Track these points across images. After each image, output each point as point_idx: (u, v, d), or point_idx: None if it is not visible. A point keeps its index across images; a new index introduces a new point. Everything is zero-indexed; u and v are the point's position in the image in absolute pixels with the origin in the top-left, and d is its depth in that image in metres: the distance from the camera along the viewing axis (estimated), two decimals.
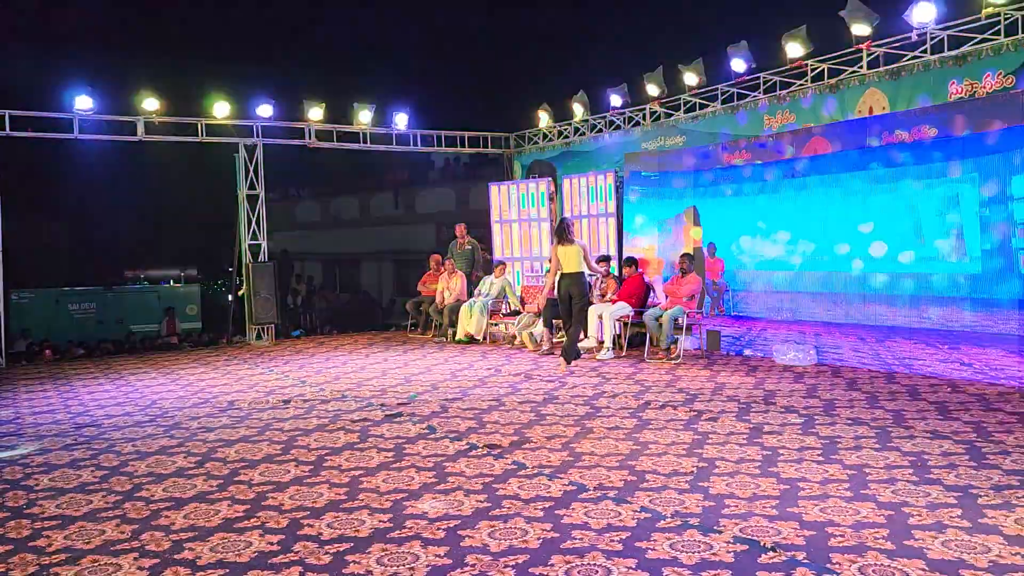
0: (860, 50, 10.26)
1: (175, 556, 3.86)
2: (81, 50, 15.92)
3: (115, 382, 9.75)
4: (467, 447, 5.78)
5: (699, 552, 3.65)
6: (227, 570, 3.67)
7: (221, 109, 13.35)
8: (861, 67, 10.32)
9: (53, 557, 3.92)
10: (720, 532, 3.89)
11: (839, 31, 10.39)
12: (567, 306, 9.54)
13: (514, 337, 12.01)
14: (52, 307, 15.82)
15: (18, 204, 12.67)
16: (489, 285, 12.72)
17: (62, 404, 8.33)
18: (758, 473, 4.87)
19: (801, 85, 11.07)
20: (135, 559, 3.85)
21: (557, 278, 9.63)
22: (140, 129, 12.88)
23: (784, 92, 11.29)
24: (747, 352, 10.07)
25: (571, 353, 9.43)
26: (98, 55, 15.69)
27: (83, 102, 12.34)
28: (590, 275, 10.12)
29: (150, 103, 12.76)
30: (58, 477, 5.39)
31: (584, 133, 14.70)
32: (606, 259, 11.22)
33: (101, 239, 18.55)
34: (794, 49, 10.88)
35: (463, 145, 16.12)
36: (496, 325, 12.62)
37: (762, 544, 3.71)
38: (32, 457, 5.99)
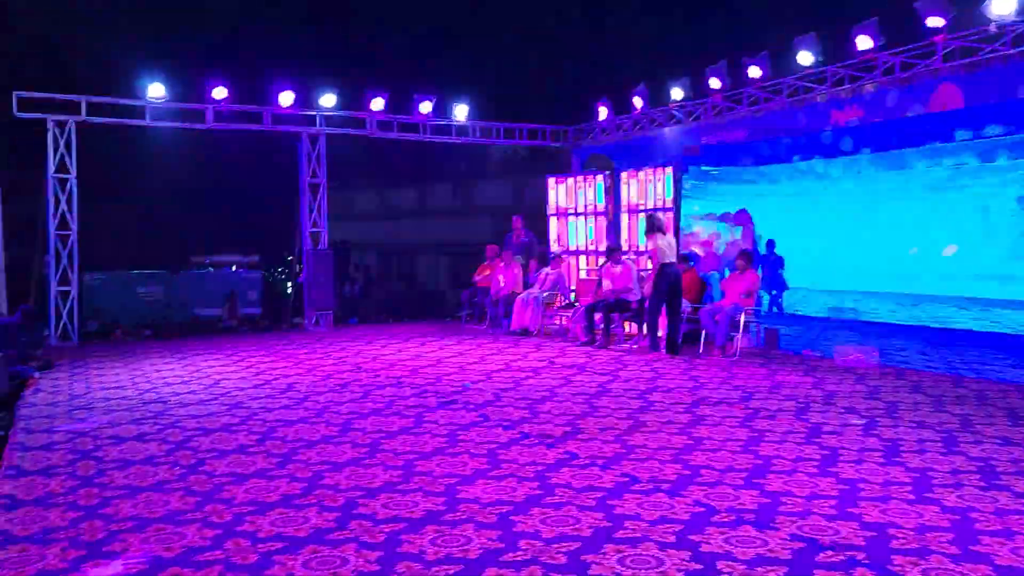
0: (934, 43, 9.93)
1: (236, 528, 3.97)
2: (155, 38, 16.38)
3: (180, 362, 10.05)
4: (520, 436, 5.80)
5: (754, 548, 3.61)
6: (286, 543, 3.76)
7: (286, 98, 13.60)
8: (935, 61, 10.00)
9: (121, 524, 4.07)
10: (776, 529, 3.84)
11: (912, 23, 10.08)
12: (668, 297, 9.66)
13: (567, 330, 11.99)
14: (122, 289, 16.33)
15: (92, 189, 13.12)
16: (544, 277, 12.71)
17: (131, 381, 8.62)
18: (816, 472, 4.78)
19: (871, 78, 10.78)
20: (198, 529, 3.97)
21: (658, 269, 9.74)
22: (209, 117, 13.22)
23: (852, 86, 11.01)
24: (806, 351, 9.87)
25: (676, 346, 9.65)
26: (170, 43, 16.12)
27: (156, 90, 12.71)
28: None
29: (219, 91, 13.07)
30: (126, 449, 5.59)
31: (643, 126, 14.57)
32: (684, 259, 11.06)
33: (168, 224, 19.06)
34: (864, 42, 10.59)
35: (522, 137, 16.13)
36: (550, 317, 12.61)
37: (820, 543, 3.64)
38: (102, 430, 6.22)
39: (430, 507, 4.24)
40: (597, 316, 10.96)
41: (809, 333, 10.84)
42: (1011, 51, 9.17)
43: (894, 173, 10.44)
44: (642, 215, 10.32)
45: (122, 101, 12.86)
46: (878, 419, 6.23)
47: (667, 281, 9.68)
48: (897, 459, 5.07)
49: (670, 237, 9.99)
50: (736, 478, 4.68)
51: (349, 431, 6.02)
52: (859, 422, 6.11)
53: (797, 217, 11.42)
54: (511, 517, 4.06)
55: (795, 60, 11.41)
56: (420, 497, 4.41)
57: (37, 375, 8.87)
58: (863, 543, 3.66)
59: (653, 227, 9.86)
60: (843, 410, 6.58)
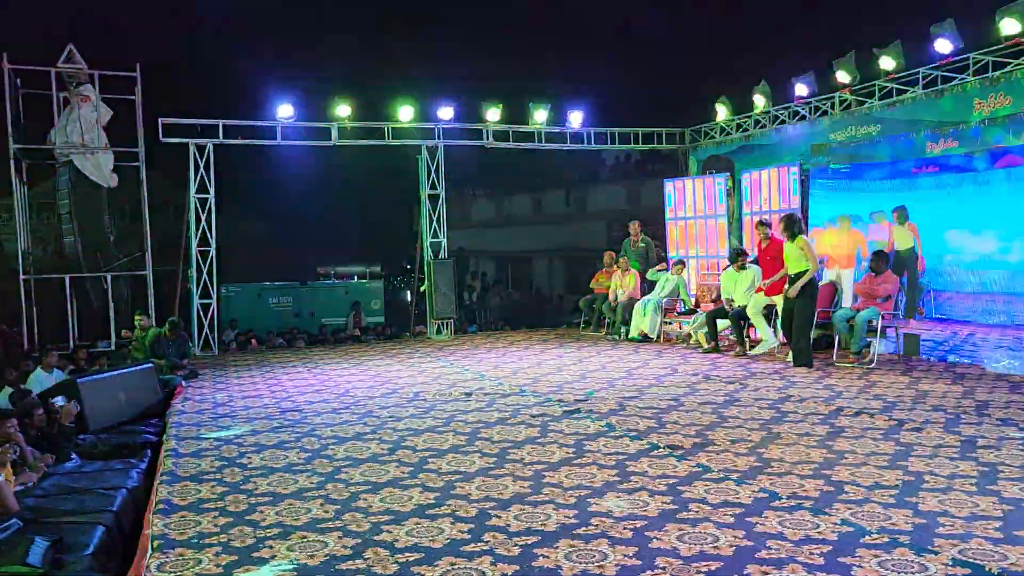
0: None
1: (375, 537, 4.06)
2: (285, 62, 17.26)
3: (312, 371, 10.45)
4: (648, 446, 5.69)
5: (914, 572, 3.38)
6: (422, 554, 3.82)
7: (406, 113, 13.98)
8: None
9: (267, 531, 4.24)
10: (936, 553, 3.58)
11: None
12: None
13: (689, 336, 11.72)
14: (255, 300, 17.26)
15: (228, 206, 13.91)
16: (664, 283, 12.48)
17: (268, 390, 9.04)
18: (975, 491, 4.45)
19: (1018, 64, 10.01)
20: (339, 537, 4.09)
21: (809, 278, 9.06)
22: (334, 134, 13.76)
23: (998, 73, 10.26)
24: (951, 358, 9.24)
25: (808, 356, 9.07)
26: (299, 66, 16.94)
27: (285, 111, 13.35)
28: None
29: (343, 109, 13.59)
30: (268, 457, 5.85)
31: (765, 125, 14.09)
32: (741, 253, 10.66)
33: (297, 237, 20.02)
34: (1010, 25, 9.86)
35: (637, 142, 15.94)
36: (670, 324, 12.37)
37: (988, 569, 3.37)
38: (245, 438, 6.54)
39: (562, 520, 4.20)
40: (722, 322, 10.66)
41: (955, 338, 10.15)
42: None
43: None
44: (783, 217, 9.79)
45: (255, 123, 13.56)
46: None
47: (816, 290, 9.13)
48: None
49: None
50: (885, 495, 4.41)
51: (477, 440, 6.07)
52: (1019, 435, 5.65)
53: (940, 215, 10.70)
54: (646, 533, 3.97)
55: (932, 48, 10.75)
56: (551, 509, 4.38)
57: (184, 384, 9.44)
58: None
59: (799, 228, 9.20)
60: (999, 422, 6.11)
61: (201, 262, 13.16)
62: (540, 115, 14.70)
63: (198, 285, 13.14)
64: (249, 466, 5.60)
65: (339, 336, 15.43)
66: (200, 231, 13.12)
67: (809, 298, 9.02)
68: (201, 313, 13.13)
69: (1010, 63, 10.12)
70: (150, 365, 9.04)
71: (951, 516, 4.05)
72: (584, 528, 4.07)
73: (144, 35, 16.27)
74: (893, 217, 11.24)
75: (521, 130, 14.85)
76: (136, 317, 11.34)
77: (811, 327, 9.15)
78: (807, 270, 8.92)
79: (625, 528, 4.05)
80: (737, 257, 10.63)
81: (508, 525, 4.16)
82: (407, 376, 9.60)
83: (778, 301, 9.64)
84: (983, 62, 10.43)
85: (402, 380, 9.28)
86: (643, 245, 13.48)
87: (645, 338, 12.01)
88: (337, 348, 13.42)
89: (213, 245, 13.21)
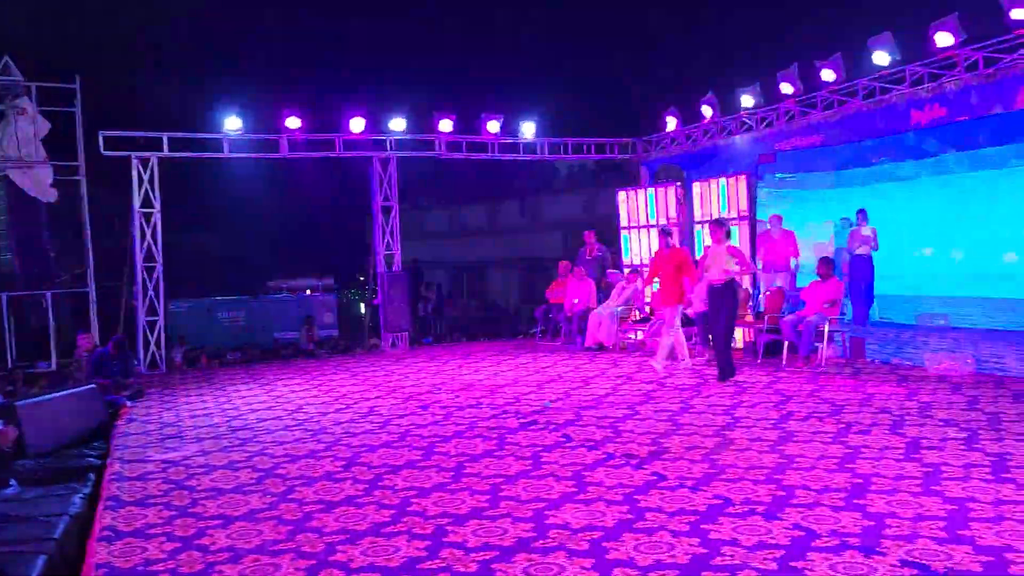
0: (1021, 36, 9.49)
1: (329, 558, 4.00)
2: (232, 74, 17.01)
3: (264, 387, 10.27)
4: (605, 456, 5.71)
5: (862, 575, 3.44)
6: (379, 574, 3.77)
7: (357, 124, 13.87)
8: (1022, 55, 9.55)
9: (218, 555, 4.14)
10: (884, 554, 3.66)
11: (995, 17, 9.65)
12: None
13: (644, 344, 11.83)
14: (205, 316, 16.87)
15: (175, 221, 13.62)
16: (619, 291, 12.58)
17: (217, 408, 8.85)
18: (920, 492, 4.56)
19: (952, 77, 10.36)
20: (292, 560, 4.01)
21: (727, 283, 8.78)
22: (284, 146, 13.59)
23: (933, 84, 10.60)
24: (895, 361, 9.48)
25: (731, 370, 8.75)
26: (246, 78, 16.71)
27: (232, 123, 13.14)
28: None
29: (293, 121, 13.43)
30: (217, 478, 5.72)
31: (713, 135, 14.33)
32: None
33: (247, 251, 19.69)
34: (944, 39, 10.19)
35: (590, 152, 16.07)
36: (626, 333, 12.47)
37: (933, 569, 3.45)
38: (193, 458, 6.39)
39: (520, 534, 4.19)
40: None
41: (898, 341, 10.42)
42: None
43: (982, 173, 9.98)
44: (714, 221, 9.67)
45: (201, 135, 13.33)
46: (980, 432, 5.92)
47: (736, 300, 8.95)
48: (1006, 475, 4.80)
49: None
50: (835, 499, 4.50)
51: (433, 455, 6.03)
52: (961, 435, 5.82)
53: (881, 222, 11.00)
54: (603, 544, 3.98)
55: (870, 61, 11.06)
56: (509, 523, 4.36)
57: (129, 404, 9.19)
58: (980, 569, 3.45)
59: (728, 234, 9.01)
60: (942, 423, 6.28)
61: (147, 278, 12.86)
62: (493, 125, 14.72)
63: (144, 302, 12.83)
64: (198, 488, 5.47)
65: (292, 351, 15.21)
66: (145, 246, 12.83)
67: (729, 309, 8.72)
68: (147, 330, 12.82)
69: (944, 75, 10.46)
70: (93, 386, 8.78)
71: (898, 517, 4.14)
72: (542, 541, 4.07)
73: (84, 46, 15.87)
74: (857, 220, 11.29)
75: (474, 140, 14.86)
76: (81, 336, 11.03)
77: (731, 339, 8.99)
78: (731, 279, 8.67)
79: (582, 540, 4.05)
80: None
81: (465, 541, 4.13)
82: (362, 391, 9.49)
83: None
84: (919, 74, 10.77)
85: (357, 395, 9.18)
86: (598, 254, 13.58)
87: (601, 347, 12.09)
88: (290, 363, 13.22)
89: (159, 260, 12.92)
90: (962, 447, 5.51)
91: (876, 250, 11.02)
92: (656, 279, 9.73)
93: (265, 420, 7.87)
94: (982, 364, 8.77)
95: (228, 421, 7.95)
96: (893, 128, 10.96)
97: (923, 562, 3.55)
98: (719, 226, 8.98)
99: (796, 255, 11.16)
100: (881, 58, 10.93)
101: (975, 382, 8.04)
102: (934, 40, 10.27)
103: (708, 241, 9.69)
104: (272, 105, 13.67)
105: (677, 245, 9.56)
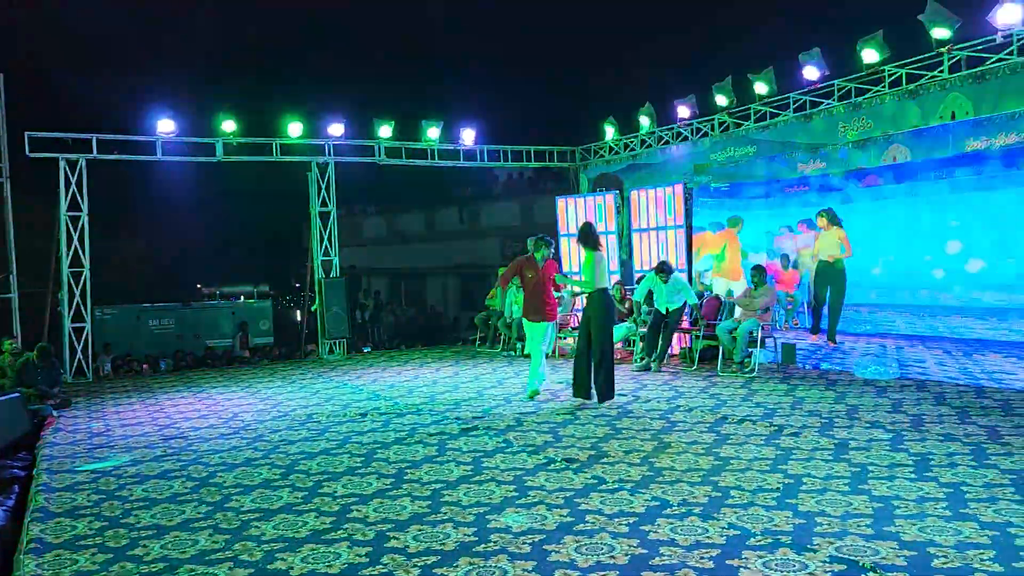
0: (941, 54, 9.95)
1: (268, 567, 3.94)
2: (164, 76, 16.60)
3: (197, 395, 10.03)
4: (545, 460, 5.76)
5: (795, 571, 3.55)
6: None
7: (295, 129, 13.71)
8: (942, 72, 10.02)
9: (152, 567, 4.04)
10: (815, 551, 3.78)
11: (918, 35, 10.12)
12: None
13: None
14: (133, 323, 16.41)
15: (104, 225, 13.22)
16: (558, 298, 12.67)
17: (149, 417, 8.61)
18: (848, 490, 4.73)
19: (878, 91, 10.80)
20: (230, 569, 3.94)
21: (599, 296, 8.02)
22: (219, 150, 13.32)
23: (860, 99, 11.03)
24: (824, 366, 9.80)
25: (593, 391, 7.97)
26: (180, 80, 16.34)
27: (165, 125, 12.84)
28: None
29: (228, 125, 13.19)
30: (150, 488, 5.56)
31: (651, 145, 14.61)
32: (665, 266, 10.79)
33: (180, 257, 19.21)
34: (870, 55, 10.64)
35: (529, 160, 16.19)
36: (565, 338, 12.57)
37: (861, 564, 3.59)
38: (124, 468, 6.20)
39: (461, 538, 4.20)
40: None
41: (826, 347, 10.77)
42: (1019, 59, 9.18)
43: (906, 185, 10.43)
44: (582, 225, 8.46)
45: (132, 138, 12.97)
46: (904, 433, 6.16)
47: (613, 315, 8.13)
48: (928, 474, 5.01)
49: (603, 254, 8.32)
50: (768, 499, 4.63)
51: (373, 461, 5.99)
52: (886, 436, 6.05)
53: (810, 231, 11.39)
54: (544, 546, 4.02)
55: (801, 75, 11.46)
56: (451, 528, 4.36)
57: (55, 414, 8.87)
58: (904, 564, 3.60)
59: (592, 238, 8.11)
60: (868, 425, 6.52)
61: (73, 284, 12.44)
62: (433, 132, 14.73)
63: (70, 308, 12.41)
64: (130, 498, 5.31)
65: (226, 358, 14.91)
66: (72, 251, 12.41)
67: (603, 326, 7.90)
68: (74, 337, 12.40)
69: (871, 89, 10.90)
70: (17, 395, 8.45)
71: (828, 516, 4.29)
72: (483, 545, 4.08)
73: (8, 43, 15.30)
74: (818, 223, 10.55)
75: (414, 147, 14.83)
76: (7, 343, 10.59)
77: (612, 354, 8.08)
78: (603, 288, 8.00)
79: (524, 543, 4.08)
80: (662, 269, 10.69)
81: (407, 547, 4.11)
82: (299, 398, 9.36)
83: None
84: (847, 88, 11.19)
85: (294, 402, 9.04)
86: None
87: None
88: (224, 371, 12.94)
89: (87, 266, 12.51)
90: (887, 448, 5.73)
91: (849, 256, 10.36)
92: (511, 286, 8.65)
93: (199, 428, 7.69)
94: (905, 369, 9.13)
95: (160, 430, 7.74)
96: (822, 140, 11.35)
97: (852, 558, 3.68)
98: (589, 232, 8.19)
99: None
100: (811, 72, 11.34)
101: (899, 386, 8.37)
102: (861, 56, 10.70)
103: (541, 256, 8.70)
104: (207, 108, 13.42)
105: (550, 257, 8.65)
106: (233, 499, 5.15)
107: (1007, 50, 9.32)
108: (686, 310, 10.40)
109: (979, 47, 9.65)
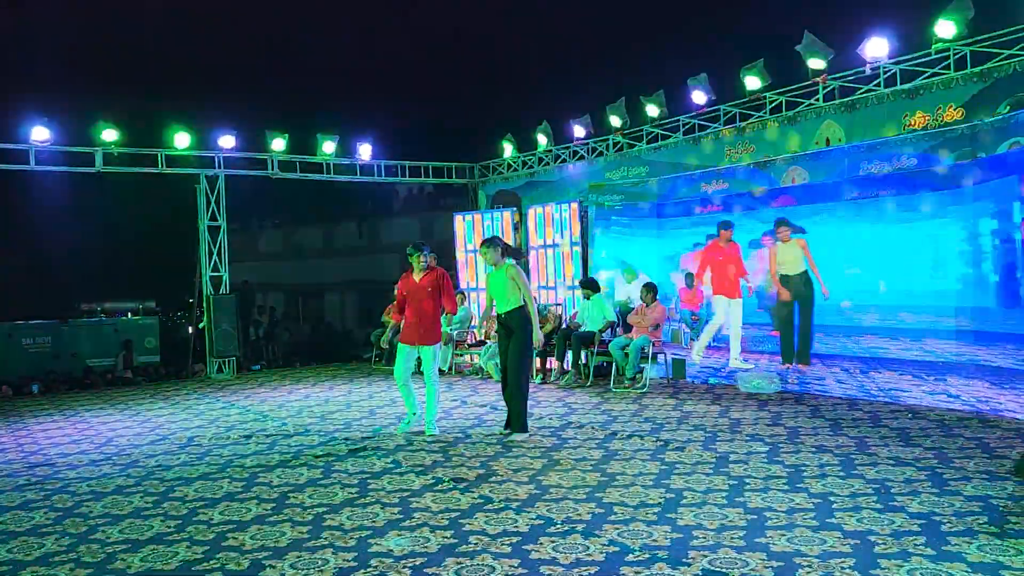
0: (816, 83, 10.52)
1: None
2: (38, 81, 15.72)
3: (70, 419, 9.48)
4: (433, 481, 5.70)
5: None
6: None
7: (182, 140, 13.22)
8: (817, 100, 10.58)
9: None
10: (689, 565, 3.87)
11: (796, 65, 10.67)
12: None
13: (480, 368, 11.94)
14: (5, 341, 15.37)
15: None
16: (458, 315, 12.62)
17: (14, 443, 8.07)
18: (725, 503, 4.87)
19: (760, 117, 11.30)
20: None
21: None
22: (98, 160, 12.69)
23: (744, 124, 11.51)
24: (712, 380, 10.12)
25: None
26: (56, 87, 15.50)
27: (39, 133, 12.15)
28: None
29: (109, 134, 12.59)
30: (9, 520, 5.19)
31: (548, 163, 14.81)
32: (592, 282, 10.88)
33: (57, 271, 18.15)
34: (752, 82, 11.13)
35: (427, 176, 16.14)
36: (461, 355, 12.54)
37: None
38: None
39: (341, 564, 4.09)
40: None
41: (720, 363, 11.13)
42: (885, 90, 9.79)
43: (805, 206, 10.91)
44: (485, 240, 7.56)
45: (3, 146, 12.21)
46: (781, 445, 6.41)
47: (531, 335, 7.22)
48: (800, 485, 5.22)
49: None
50: (649, 514, 4.71)
51: (254, 485, 5.78)
52: (764, 449, 6.28)
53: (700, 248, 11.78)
54: (425, 570, 3.96)
55: (690, 99, 11.88)
56: (330, 554, 4.25)
57: None
58: (771, 574, 3.72)
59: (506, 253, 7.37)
60: (748, 437, 6.75)
61: None
62: (328, 146, 14.49)
63: None
64: None
65: (107, 379, 14.14)
66: None
67: (523, 345, 7.16)
68: None
69: (753, 115, 11.40)
70: None
71: (704, 529, 4.40)
72: (363, 571, 3.99)
73: None
74: (777, 234, 9.72)
75: (309, 161, 14.55)
76: None
77: (527, 381, 7.34)
78: (522, 306, 7.16)
79: (404, 567, 4.01)
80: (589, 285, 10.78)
81: (283, 575, 3.98)
82: (181, 420, 8.97)
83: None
84: (732, 113, 11.67)
85: (175, 425, 8.66)
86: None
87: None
88: (102, 393, 12.28)
89: None
90: (764, 460, 5.94)
91: (813, 270, 9.60)
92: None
93: (69, 455, 7.25)
94: (786, 383, 9.52)
95: (24, 457, 7.26)
96: (711, 163, 11.78)
97: (723, 571, 3.78)
98: (494, 245, 7.39)
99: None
100: (698, 97, 11.77)
101: (780, 399, 8.72)
102: (745, 82, 11.19)
103: (419, 267, 7.91)
104: (86, 116, 12.77)
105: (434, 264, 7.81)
106: (99, 530, 4.86)
107: (875, 81, 9.94)
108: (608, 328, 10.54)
109: (850, 78, 10.25)
